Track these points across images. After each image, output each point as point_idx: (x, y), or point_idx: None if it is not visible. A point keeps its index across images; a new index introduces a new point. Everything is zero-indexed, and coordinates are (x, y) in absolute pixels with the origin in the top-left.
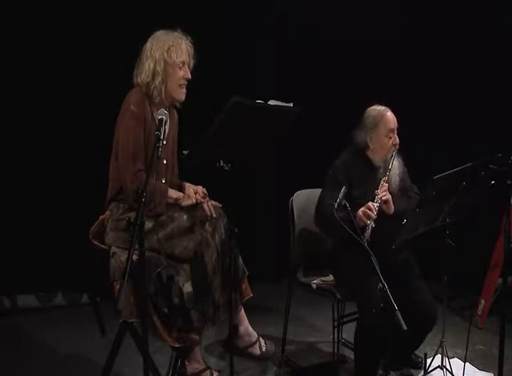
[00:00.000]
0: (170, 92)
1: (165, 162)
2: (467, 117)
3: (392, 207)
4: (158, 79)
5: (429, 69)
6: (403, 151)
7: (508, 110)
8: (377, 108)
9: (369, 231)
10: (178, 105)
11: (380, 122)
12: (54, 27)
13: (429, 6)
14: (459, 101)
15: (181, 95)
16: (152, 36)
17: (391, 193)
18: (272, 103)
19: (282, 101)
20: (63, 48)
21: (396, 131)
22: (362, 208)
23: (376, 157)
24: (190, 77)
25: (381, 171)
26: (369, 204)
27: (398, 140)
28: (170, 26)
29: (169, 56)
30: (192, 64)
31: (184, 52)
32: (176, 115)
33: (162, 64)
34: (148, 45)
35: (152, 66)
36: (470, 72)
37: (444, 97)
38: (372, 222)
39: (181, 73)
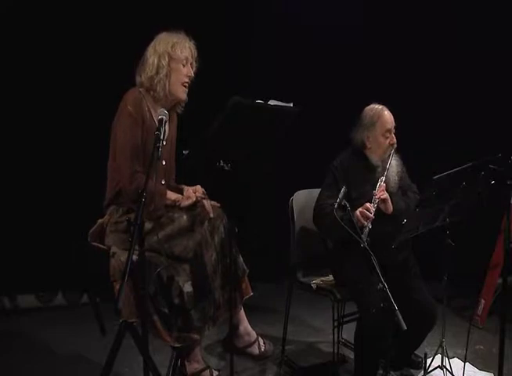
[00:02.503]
0: (172, 88)
1: (164, 163)
2: (467, 117)
3: (391, 206)
4: (163, 72)
5: (429, 69)
6: (403, 151)
7: (508, 110)
8: (375, 107)
9: (366, 232)
10: (179, 110)
11: (377, 122)
12: (54, 28)
13: (429, 6)
14: (459, 101)
15: (182, 93)
16: (156, 37)
17: (389, 193)
18: (272, 103)
19: (282, 101)
20: (63, 48)
21: (394, 131)
22: (360, 209)
23: (373, 156)
24: (193, 75)
25: (379, 170)
26: (367, 204)
27: (395, 140)
28: (170, 26)
29: (173, 50)
30: (195, 67)
31: (187, 50)
32: (176, 119)
33: (166, 58)
34: (152, 44)
35: (156, 61)
36: (470, 72)
37: (444, 97)
38: (369, 223)
39: (184, 70)
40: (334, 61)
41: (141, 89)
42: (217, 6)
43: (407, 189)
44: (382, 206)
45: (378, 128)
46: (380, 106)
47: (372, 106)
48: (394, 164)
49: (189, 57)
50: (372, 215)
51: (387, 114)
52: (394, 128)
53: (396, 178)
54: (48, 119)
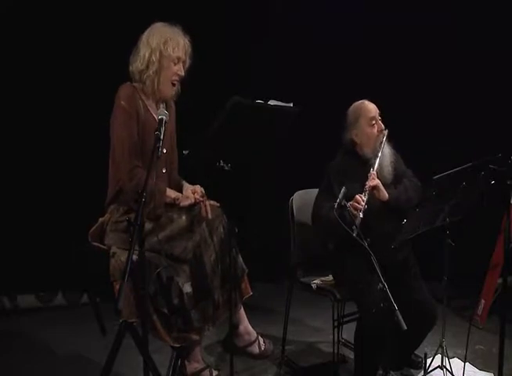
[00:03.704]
0: (161, 85)
1: (165, 151)
2: (467, 117)
3: (385, 192)
4: (152, 69)
5: (429, 69)
6: (403, 151)
7: (508, 110)
8: (355, 103)
9: (357, 222)
10: (175, 98)
11: (360, 115)
12: (54, 28)
13: (429, 6)
14: (458, 101)
15: (170, 91)
16: (151, 26)
17: (385, 183)
18: (272, 103)
19: (282, 101)
20: (63, 48)
21: (379, 119)
22: (350, 202)
23: (365, 149)
24: (183, 74)
25: (372, 162)
26: (357, 196)
27: (383, 126)
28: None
29: (165, 48)
30: (188, 63)
31: (181, 49)
32: (173, 105)
33: (158, 55)
34: (146, 33)
35: (147, 55)
36: (470, 72)
37: (444, 97)
38: (361, 213)
39: (175, 68)
40: (334, 61)
41: (135, 84)
42: (217, 6)
43: (402, 176)
44: (376, 193)
45: (362, 119)
46: (361, 101)
47: (353, 104)
48: (386, 153)
49: (182, 56)
50: (362, 205)
51: (368, 104)
52: (380, 115)
53: (390, 168)
54: (49, 119)
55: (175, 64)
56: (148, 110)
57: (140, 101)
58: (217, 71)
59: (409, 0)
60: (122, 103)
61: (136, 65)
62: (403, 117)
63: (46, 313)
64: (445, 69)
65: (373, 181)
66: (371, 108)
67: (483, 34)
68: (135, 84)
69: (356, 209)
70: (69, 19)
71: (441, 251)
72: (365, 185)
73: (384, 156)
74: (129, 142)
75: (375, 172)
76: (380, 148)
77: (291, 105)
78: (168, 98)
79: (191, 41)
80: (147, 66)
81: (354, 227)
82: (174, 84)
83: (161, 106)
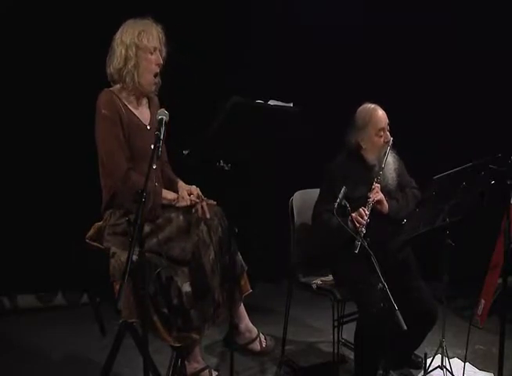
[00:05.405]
0: (141, 78)
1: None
2: (467, 116)
3: (386, 205)
4: (131, 63)
5: (429, 69)
6: (403, 150)
7: (508, 110)
8: (366, 107)
9: (360, 235)
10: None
11: (370, 122)
12: (53, 28)
13: (429, 6)
14: (459, 101)
15: (151, 83)
16: (122, 25)
17: (389, 190)
18: (272, 102)
19: (282, 101)
20: (63, 49)
21: (388, 128)
22: (353, 214)
23: (369, 155)
24: (161, 62)
25: (376, 169)
26: (360, 209)
27: (389, 137)
28: (169, 26)
29: (140, 40)
30: (164, 52)
31: (155, 38)
32: (156, 99)
33: (134, 49)
34: (118, 33)
35: (123, 51)
36: (470, 72)
37: (444, 97)
38: (363, 228)
39: (152, 58)
40: (334, 61)
41: (111, 89)
42: (216, 6)
43: (406, 185)
44: (378, 206)
45: (371, 128)
46: (372, 106)
47: (363, 106)
48: (390, 160)
49: (157, 44)
50: (365, 221)
51: (380, 113)
52: (388, 124)
53: (394, 175)
54: (49, 121)
55: (152, 54)
56: (129, 110)
57: (120, 104)
58: (217, 71)
59: (409, 0)
60: (103, 111)
61: (114, 64)
62: (403, 117)
63: (46, 313)
64: (445, 69)
65: (377, 195)
66: (382, 118)
67: (483, 34)
68: (112, 88)
69: (360, 223)
70: (69, 20)
71: (441, 251)
72: (369, 197)
73: (388, 163)
74: (117, 146)
75: (379, 185)
76: (384, 158)
77: (291, 105)
78: (150, 91)
79: (163, 29)
80: (125, 63)
81: (357, 242)
82: (155, 76)
83: (144, 101)
